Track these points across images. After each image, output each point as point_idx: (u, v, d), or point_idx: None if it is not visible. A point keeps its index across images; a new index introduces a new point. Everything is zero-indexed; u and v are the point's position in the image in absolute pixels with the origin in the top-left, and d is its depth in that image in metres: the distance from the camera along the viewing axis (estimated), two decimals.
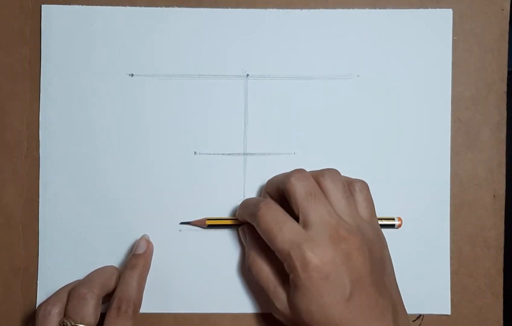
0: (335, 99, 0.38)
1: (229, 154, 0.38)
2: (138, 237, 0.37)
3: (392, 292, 0.32)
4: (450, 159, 0.38)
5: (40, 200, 0.37)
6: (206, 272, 0.37)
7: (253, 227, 0.34)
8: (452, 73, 0.38)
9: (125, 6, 0.38)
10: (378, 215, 0.35)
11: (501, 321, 0.37)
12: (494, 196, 0.38)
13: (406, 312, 0.33)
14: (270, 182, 0.36)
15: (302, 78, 0.38)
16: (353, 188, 0.34)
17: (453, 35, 0.38)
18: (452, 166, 0.38)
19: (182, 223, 0.37)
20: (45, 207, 0.37)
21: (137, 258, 0.36)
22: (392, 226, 0.37)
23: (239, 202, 0.37)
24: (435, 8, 0.38)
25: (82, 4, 0.38)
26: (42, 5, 0.37)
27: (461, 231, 0.38)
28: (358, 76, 0.38)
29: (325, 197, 0.32)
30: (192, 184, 0.37)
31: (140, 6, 0.38)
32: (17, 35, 0.38)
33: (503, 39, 0.38)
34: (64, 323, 0.32)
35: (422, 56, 0.38)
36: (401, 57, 0.38)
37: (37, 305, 0.37)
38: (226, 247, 0.37)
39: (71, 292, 0.33)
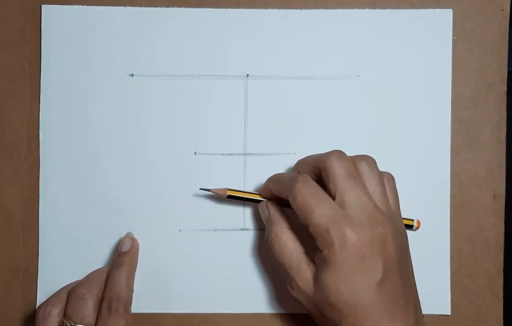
0: (335, 99, 0.38)
1: (229, 154, 0.38)
2: (138, 237, 0.37)
3: (412, 287, 0.33)
4: (450, 159, 0.38)
5: (40, 200, 0.37)
6: (206, 272, 0.37)
7: (277, 203, 0.34)
8: (452, 73, 0.38)
9: (125, 6, 0.38)
10: None
11: (501, 321, 0.37)
12: (494, 196, 0.38)
13: (420, 308, 0.33)
14: (303, 161, 0.36)
15: (302, 78, 0.38)
16: (383, 178, 0.34)
17: (453, 35, 0.38)
18: (452, 166, 0.38)
19: (201, 189, 0.37)
20: (45, 207, 0.37)
21: (123, 256, 0.36)
22: (410, 227, 0.37)
23: (239, 202, 0.37)
24: (435, 8, 0.38)
25: (82, 4, 0.38)
26: (42, 5, 0.37)
27: (461, 231, 0.38)
28: (358, 76, 0.38)
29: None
30: (192, 184, 0.37)
31: (140, 6, 0.38)
32: (17, 35, 0.38)
33: (503, 39, 0.38)
34: (64, 324, 0.32)
35: (422, 56, 0.38)
36: (401, 57, 0.38)
37: (37, 305, 0.37)
38: (226, 247, 0.37)
39: (71, 293, 0.33)
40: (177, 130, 0.38)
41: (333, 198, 0.32)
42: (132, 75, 0.38)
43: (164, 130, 0.38)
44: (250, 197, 0.36)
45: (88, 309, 0.33)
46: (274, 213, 0.35)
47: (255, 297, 0.37)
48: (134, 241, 0.37)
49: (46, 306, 0.33)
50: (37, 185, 0.37)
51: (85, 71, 0.37)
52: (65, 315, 0.33)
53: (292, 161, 0.37)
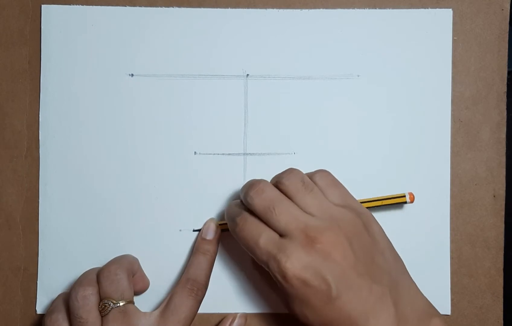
0: (335, 99, 0.38)
1: (229, 154, 0.38)
2: (138, 237, 0.37)
3: (390, 270, 0.31)
4: (450, 159, 0.38)
5: (40, 200, 0.37)
6: None
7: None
8: (452, 73, 0.38)
9: (125, 6, 0.38)
10: (385, 194, 0.36)
11: (501, 321, 0.37)
12: (494, 196, 0.38)
13: (412, 283, 0.32)
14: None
15: (302, 78, 0.38)
16: (315, 180, 0.33)
17: (453, 35, 0.38)
18: (452, 166, 0.38)
19: (195, 230, 0.37)
20: (45, 207, 0.37)
21: (209, 244, 0.36)
22: (403, 203, 0.36)
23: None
24: (435, 8, 0.38)
25: (82, 4, 0.38)
26: (42, 5, 0.37)
27: (461, 231, 0.38)
28: (358, 76, 0.38)
29: (288, 200, 0.32)
30: (192, 184, 0.37)
31: (140, 6, 0.38)
32: (17, 35, 0.38)
33: (503, 39, 0.38)
34: (107, 304, 0.32)
35: (422, 56, 0.38)
36: (401, 57, 0.38)
37: (37, 305, 0.37)
38: (226, 248, 0.37)
39: (101, 274, 0.33)
40: (177, 130, 0.38)
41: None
42: (132, 75, 0.38)
43: (164, 130, 0.38)
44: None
45: (124, 283, 0.33)
46: None
47: (256, 297, 0.37)
48: (218, 229, 0.36)
49: (84, 289, 0.32)
50: (37, 185, 0.37)
51: (85, 71, 0.38)
52: (102, 296, 0.32)
53: (292, 161, 0.37)
